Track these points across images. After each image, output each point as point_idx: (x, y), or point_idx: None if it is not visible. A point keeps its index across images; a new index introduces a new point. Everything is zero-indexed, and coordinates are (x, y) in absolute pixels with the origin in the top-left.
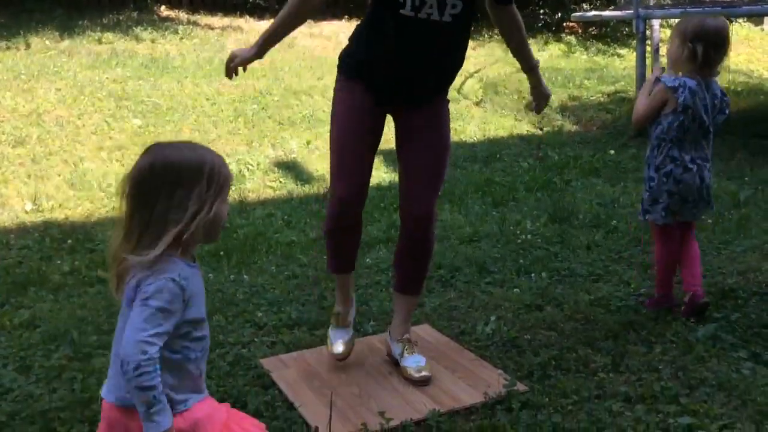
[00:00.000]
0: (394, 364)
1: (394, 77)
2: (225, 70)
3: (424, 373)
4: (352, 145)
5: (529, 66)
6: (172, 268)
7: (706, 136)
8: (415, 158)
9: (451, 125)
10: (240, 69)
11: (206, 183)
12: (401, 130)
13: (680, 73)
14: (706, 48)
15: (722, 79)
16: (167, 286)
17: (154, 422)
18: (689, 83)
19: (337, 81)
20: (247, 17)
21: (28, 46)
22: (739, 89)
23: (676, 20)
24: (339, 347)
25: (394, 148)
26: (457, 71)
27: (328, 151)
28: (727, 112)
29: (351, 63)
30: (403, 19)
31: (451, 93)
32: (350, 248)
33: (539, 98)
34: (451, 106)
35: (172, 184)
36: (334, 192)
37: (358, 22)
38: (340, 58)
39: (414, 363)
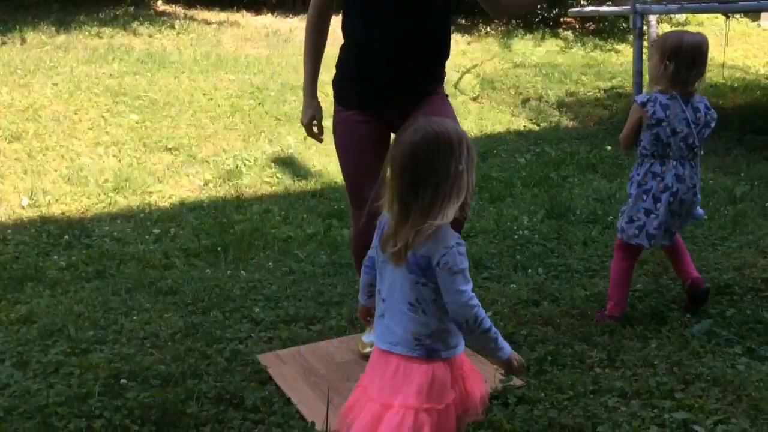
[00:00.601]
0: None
1: (390, 66)
2: (312, 136)
3: None
4: (368, 176)
5: None
6: (450, 233)
7: (692, 150)
8: None
9: None
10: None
11: (467, 152)
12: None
13: (657, 89)
14: (678, 65)
15: (718, 76)
16: (459, 249)
17: (502, 349)
18: (660, 97)
19: (336, 112)
20: (244, 12)
21: (24, 41)
22: (736, 85)
23: (675, 15)
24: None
25: None
26: (445, 53)
27: (339, 172)
28: (712, 125)
29: (344, 85)
30: (365, 12)
31: (448, 88)
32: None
33: None
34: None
35: (447, 157)
36: (358, 217)
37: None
38: (334, 86)
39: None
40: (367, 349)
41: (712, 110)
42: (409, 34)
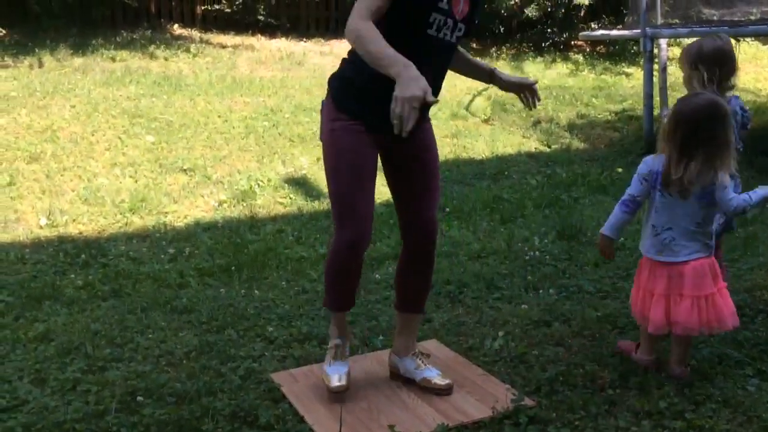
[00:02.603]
0: (405, 380)
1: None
2: (430, 102)
3: (448, 381)
4: (361, 188)
5: (487, 72)
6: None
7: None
8: (416, 179)
9: (460, 142)
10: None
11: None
12: (396, 155)
13: None
14: (707, 69)
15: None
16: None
17: (758, 200)
18: None
19: (336, 119)
20: (259, 36)
21: (42, 63)
22: (747, 108)
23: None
24: (343, 380)
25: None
26: None
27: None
28: (748, 127)
29: (351, 98)
30: (427, 39)
31: (460, 111)
32: (355, 286)
33: (522, 88)
34: (460, 123)
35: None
36: (343, 236)
37: (350, 53)
38: (334, 95)
39: (435, 373)
40: (335, 384)
41: (748, 111)
42: (440, 73)
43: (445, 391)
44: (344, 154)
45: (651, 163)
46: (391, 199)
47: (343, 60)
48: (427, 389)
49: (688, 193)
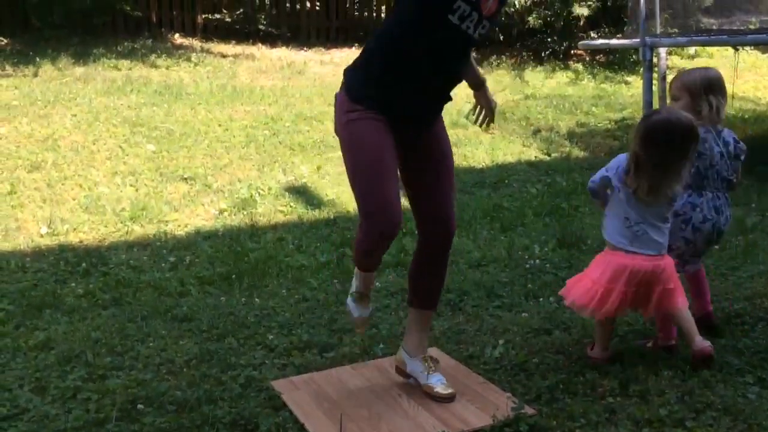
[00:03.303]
0: (406, 378)
1: (423, 86)
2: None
3: (451, 390)
4: (386, 175)
5: (480, 82)
6: None
7: (725, 182)
8: (433, 177)
9: (460, 151)
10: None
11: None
12: (414, 149)
13: None
14: (717, 98)
15: (729, 107)
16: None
17: None
18: (700, 130)
19: (351, 110)
20: (260, 45)
21: (44, 72)
22: (746, 116)
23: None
24: (366, 312)
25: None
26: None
27: (348, 180)
28: (742, 158)
29: (368, 89)
30: (447, 26)
31: (460, 119)
32: (383, 253)
33: (486, 109)
34: (460, 132)
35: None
36: (373, 226)
37: (370, 41)
38: (349, 86)
39: (439, 380)
40: (358, 314)
41: (741, 143)
42: (456, 68)
43: (447, 400)
44: (365, 143)
45: (621, 159)
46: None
47: (360, 53)
48: (428, 395)
49: (655, 200)
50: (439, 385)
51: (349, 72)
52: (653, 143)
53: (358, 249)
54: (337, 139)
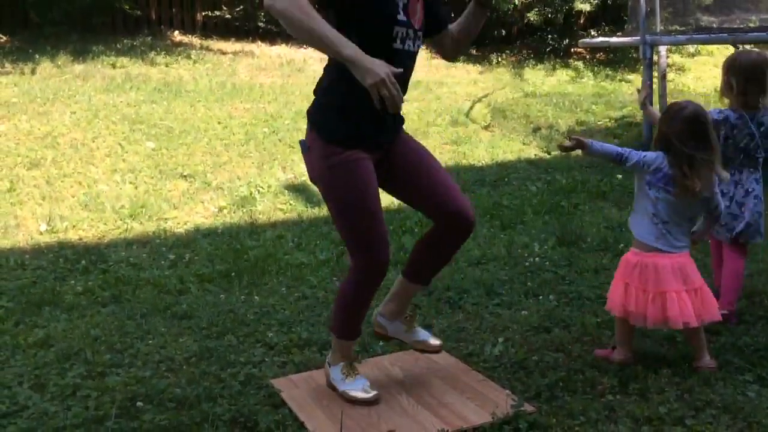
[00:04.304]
0: (387, 341)
1: (385, 113)
2: (390, 94)
3: (440, 341)
4: (374, 215)
5: (473, 8)
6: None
7: (752, 161)
8: (428, 171)
9: (460, 149)
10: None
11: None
12: (397, 161)
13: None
14: (739, 81)
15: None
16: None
17: None
18: (731, 116)
19: (330, 155)
20: (259, 42)
21: (43, 70)
22: None
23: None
24: (370, 390)
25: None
26: None
27: (336, 224)
28: None
29: (338, 125)
30: (393, 52)
31: (460, 117)
32: (365, 311)
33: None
34: (460, 130)
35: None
36: (369, 264)
37: (322, 78)
38: (320, 128)
39: (427, 334)
40: (368, 396)
41: None
42: (406, 83)
43: (437, 351)
44: (351, 189)
45: (659, 161)
46: (390, 207)
47: (317, 89)
48: (421, 350)
49: (698, 196)
50: (428, 337)
51: (314, 114)
52: (703, 136)
53: (349, 302)
54: (317, 185)
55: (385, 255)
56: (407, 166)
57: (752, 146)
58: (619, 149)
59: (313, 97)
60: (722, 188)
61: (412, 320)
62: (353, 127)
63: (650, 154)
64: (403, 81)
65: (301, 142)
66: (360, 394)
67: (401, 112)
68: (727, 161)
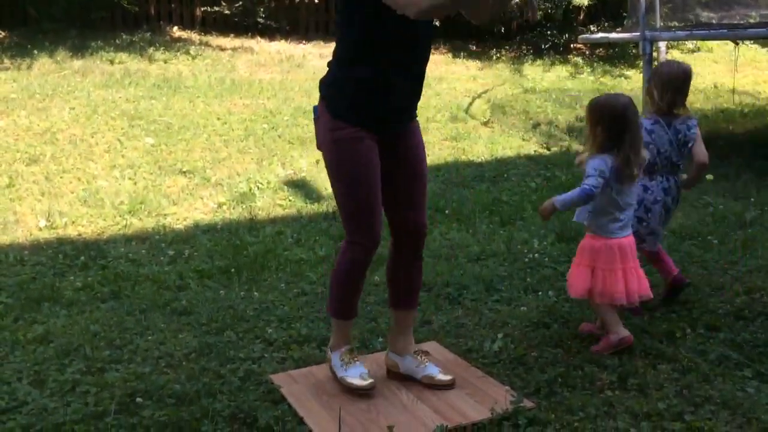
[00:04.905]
0: (404, 378)
1: (404, 84)
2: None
3: (450, 376)
4: (374, 195)
5: None
6: None
7: (675, 168)
8: (409, 184)
9: (459, 145)
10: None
11: None
12: (390, 159)
13: (646, 114)
14: (659, 89)
15: (728, 101)
16: None
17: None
18: (645, 123)
19: (336, 129)
20: (258, 38)
21: (42, 65)
22: (746, 111)
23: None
24: (367, 378)
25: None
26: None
27: (335, 196)
28: (690, 144)
29: (346, 102)
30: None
31: (459, 113)
32: (362, 288)
33: None
34: (459, 126)
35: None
36: (362, 243)
37: (336, 50)
38: (329, 101)
39: (436, 370)
40: (364, 383)
41: (691, 131)
42: (422, 67)
43: (448, 387)
44: (354, 165)
45: (606, 161)
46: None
47: (330, 62)
48: (431, 386)
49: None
50: (438, 373)
51: (325, 86)
52: (627, 119)
53: (342, 281)
54: (321, 152)
55: (376, 231)
56: (403, 168)
57: (672, 153)
58: (580, 191)
59: (326, 69)
60: (655, 196)
61: (424, 356)
62: (360, 107)
63: (598, 164)
64: (417, 46)
65: (314, 108)
66: (356, 381)
67: (415, 107)
68: (653, 168)
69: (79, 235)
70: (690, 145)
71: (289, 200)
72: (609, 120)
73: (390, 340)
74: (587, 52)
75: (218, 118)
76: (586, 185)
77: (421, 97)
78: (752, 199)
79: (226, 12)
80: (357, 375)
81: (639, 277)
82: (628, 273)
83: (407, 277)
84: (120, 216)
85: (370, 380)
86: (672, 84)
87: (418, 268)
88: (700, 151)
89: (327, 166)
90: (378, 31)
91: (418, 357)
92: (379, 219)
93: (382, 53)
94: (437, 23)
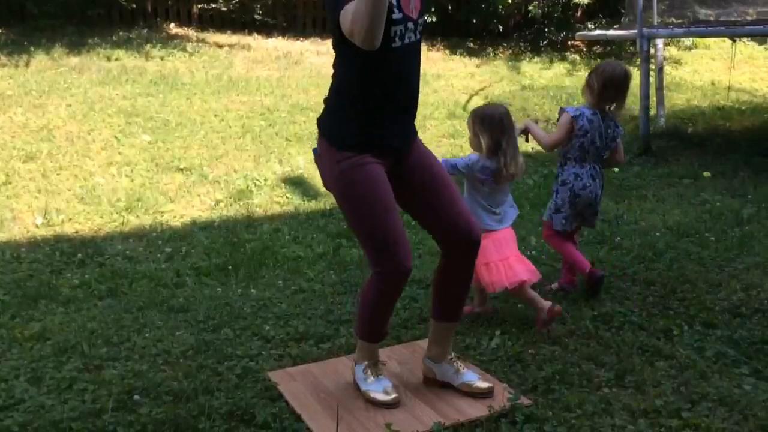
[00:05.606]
0: (439, 386)
1: (396, 113)
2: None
3: (489, 384)
4: (392, 215)
5: None
6: None
7: (600, 159)
8: (437, 188)
9: (457, 142)
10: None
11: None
12: (406, 174)
13: (586, 104)
14: (598, 85)
15: (725, 98)
16: None
17: None
18: (586, 112)
19: (341, 161)
20: (255, 35)
21: (39, 62)
22: (743, 108)
23: (680, 39)
24: (391, 392)
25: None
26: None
27: (353, 228)
28: (618, 139)
29: (348, 133)
30: (395, 52)
31: (457, 110)
32: (391, 313)
33: None
34: (456, 123)
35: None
36: (396, 267)
37: (331, 85)
38: (330, 136)
39: (475, 377)
40: (388, 398)
41: (619, 128)
42: (417, 73)
43: (488, 395)
44: (364, 189)
45: (484, 164)
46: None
47: (326, 98)
48: (469, 393)
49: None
50: (476, 380)
51: (323, 122)
52: (504, 126)
53: (374, 306)
54: (331, 193)
55: (404, 258)
56: (420, 182)
57: (601, 145)
58: (452, 161)
59: (323, 106)
60: (584, 182)
61: (461, 363)
62: (362, 133)
63: (473, 157)
64: (414, 72)
65: (314, 150)
66: (380, 396)
67: (413, 125)
68: (585, 156)
69: (76, 232)
70: (618, 140)
71: (287, 197)
72: (489, 128)
73: (428, 347)
74: (585, 49)
75: (215, 115)
76: (457, 162)
77: (419, 94)
78: (749, 196)
79: (223, 9)
80: (381, 389)
81: (508, 267)
82: (499, 264)
83: (456, 289)
84: (117, 213)
85: (395, 395)
86: (614, 82)
87: (469, 279)
88: (622, 150)
89: (339, 201)
90: (368, 65)
91: (455, 363)
92: (402, 244)
93: (375, 83)
94: (434, 18)
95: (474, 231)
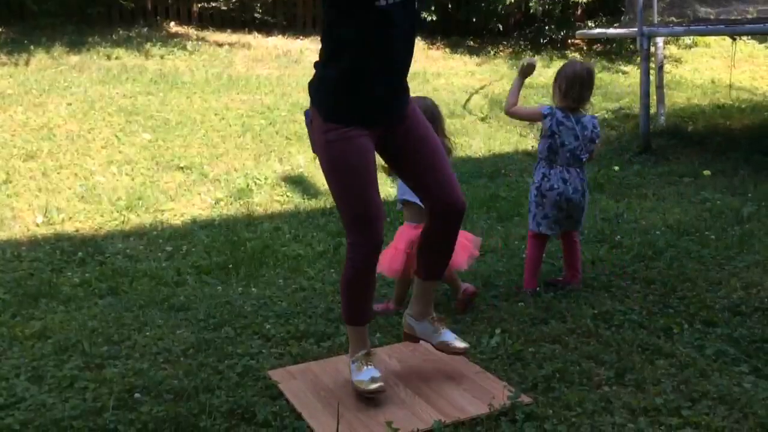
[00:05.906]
0: (416, 342)
1: (384, 82)
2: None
3: (465, 344)
4: (372, 193)
5: None
6: None
7: (577, 161)
8: (427, 155)
9: (457, 140)
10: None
11: None
12: (396, 140)
13: (559, 105)
14: (563, 85)
15: (726, 97)
16: None
17: None
18: (558, 114)
19: (328, 131)
20: (255, 33)
21: (39, 61)
22: (743, 106)
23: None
24: (378, 381)
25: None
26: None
27: (333, 198)
28: (597, 141)
29: (336, 101)
30: (379, 12)
31: (457, 109)
32: (373, 291)
33: None
34: (457, 122)
35: None
36: (368, 240)
37: (321, 50)
38: (318, 104)
39: (452, 336)
40: (372, 387)
41: (597, 129)
42: (408, 44)
43: (462, 353)
44: (348, 164)
45: None
46: (388, 198)
47: (316, 63)
48: (444, 351)
49: None
50: (453, 339)
51: (314, 89)
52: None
53: (352, 286)
54: (317, 156)
55: (377, 232)
56: (411, 147)
57: (577, 147)
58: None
59: (313, 71)
60: (552, 184)
61: (439, 322)
62: (349, 105)
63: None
64: (402, 38)
65: (306, 113)
66: (362, 386)
67: (408, 86)
68: (554, 157)
69: (77, 231)
70: (597, 142)
71: (287, 196)
72: None
73: (411, 303)
74: (585, 48)
75: (215, 114)
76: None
77: (419, 92)
78: (749, 195)
79: (223, 7)
80: (366, 378)
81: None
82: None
83: (440, 251)
84: (117, 212)
85: (378, 384)
86: (578, 80)
87: (453, 242)
88: (595, 152)
89: (323, 167)
90: (351, 28)
91: (435, 324)
92: (377, 218)
93: (359, 49)
94: (434, 17)
95: (460, 200)
